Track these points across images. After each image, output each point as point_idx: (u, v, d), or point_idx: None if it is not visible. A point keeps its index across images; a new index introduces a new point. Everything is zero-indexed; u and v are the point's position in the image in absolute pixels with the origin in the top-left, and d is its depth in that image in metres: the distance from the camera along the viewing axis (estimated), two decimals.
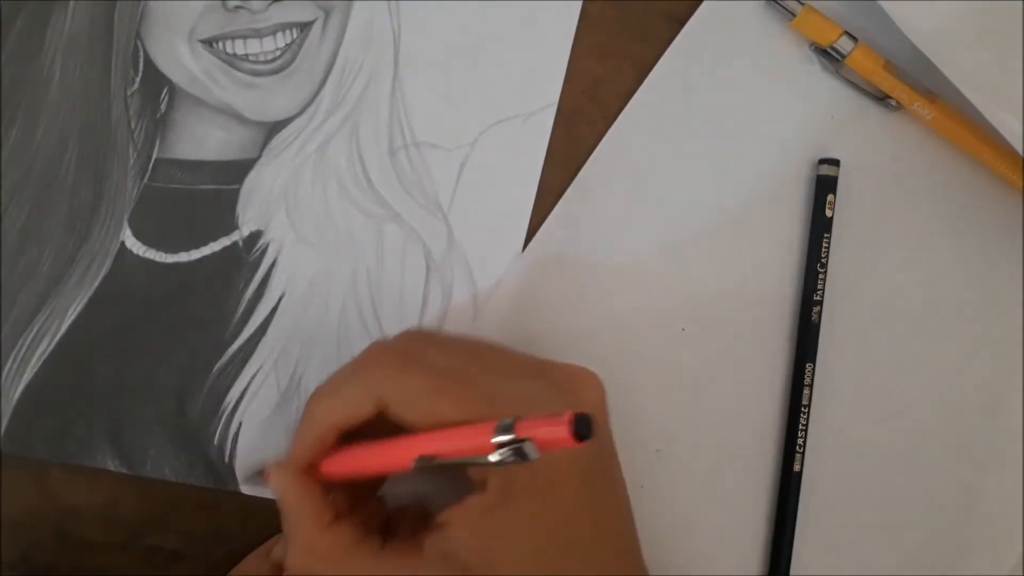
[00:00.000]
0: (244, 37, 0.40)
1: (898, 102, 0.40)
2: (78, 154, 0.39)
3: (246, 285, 0.39)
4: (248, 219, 0.39)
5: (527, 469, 0.28)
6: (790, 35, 0.40)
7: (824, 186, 0.40)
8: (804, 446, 0.39)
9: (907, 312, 0.40)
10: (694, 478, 0.39)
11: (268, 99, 0.40)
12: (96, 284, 0.39)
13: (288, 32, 0.40)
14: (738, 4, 0.40)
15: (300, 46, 0.40)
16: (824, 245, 0.39)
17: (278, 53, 0.40)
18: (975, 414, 0.40)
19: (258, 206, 0.40)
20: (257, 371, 0.39)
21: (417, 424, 0.31)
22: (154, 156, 0.40)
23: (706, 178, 0.40)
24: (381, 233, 0.40)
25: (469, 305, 0.40)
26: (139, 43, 0.40)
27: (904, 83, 0.39)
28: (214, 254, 0.39)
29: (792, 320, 0.40)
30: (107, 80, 0.39)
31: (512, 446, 0.26)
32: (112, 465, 0.38)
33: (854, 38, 0.39)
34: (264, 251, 0.39)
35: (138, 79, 0.40)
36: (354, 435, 0.32)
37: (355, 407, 0.31)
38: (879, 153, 0.41)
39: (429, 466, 0.29)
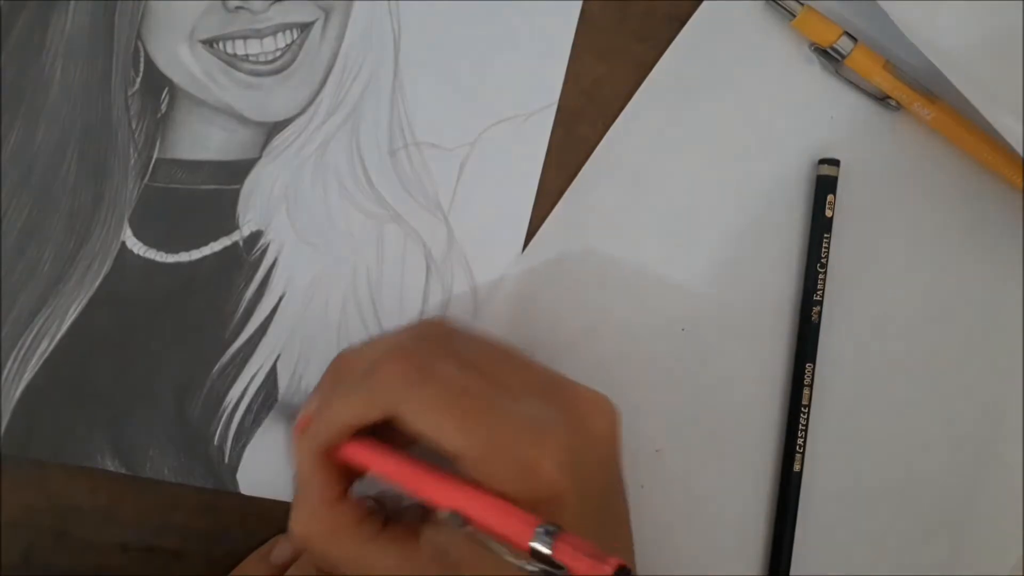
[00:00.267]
0: (244, 37, 0.40)
1: (898, 102, 0.40)
2: (79, 154, 0.39)
3: (246, 285, 0.39)
4: (248, 219, 0.40)
5: None
6: (790, 35, 0.40)
7: (824, 186, 0.40)
8: (804, 446, 0.39)
9: (907, 312, 0.40)
10: (694, 478, 0.39)
11: (268, 99, 0.40)
12: (96, 284, 0.39)
13: (288, 32, 0.40)
14: (738, 4, 0.40)
15: (300, 46, 0.40)
16: (824, 245, 0.39)
17: (278, 53, 0.40)
18: (975, 414, 0.40)
19: (258, 206, 0.40)
20: (257, 371, 0.39)
21: (421, 438, 0.31)
22: (155, 156, 0.40)
23: (706, 178, 0.40)
24: (381, 233, 0.40)
25: (469, 305, 0.40)
26: (140, 43, 0.40)
27: (904, 83, 0.39)
28: (214, 254, 0.39)
29: (792, 320, 0.40)
30: (108, 80, 0.40)
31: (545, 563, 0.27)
32: (112, 465, 0.38)
33: (854, 38, 0.39)
34: (264, 251, 0.39)
35: (139, 79, 0.40)
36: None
37: (365, 413, 0.32)
38: (879, 153, 0.41)
39: (457, 523, 0.29)
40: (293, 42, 0.40)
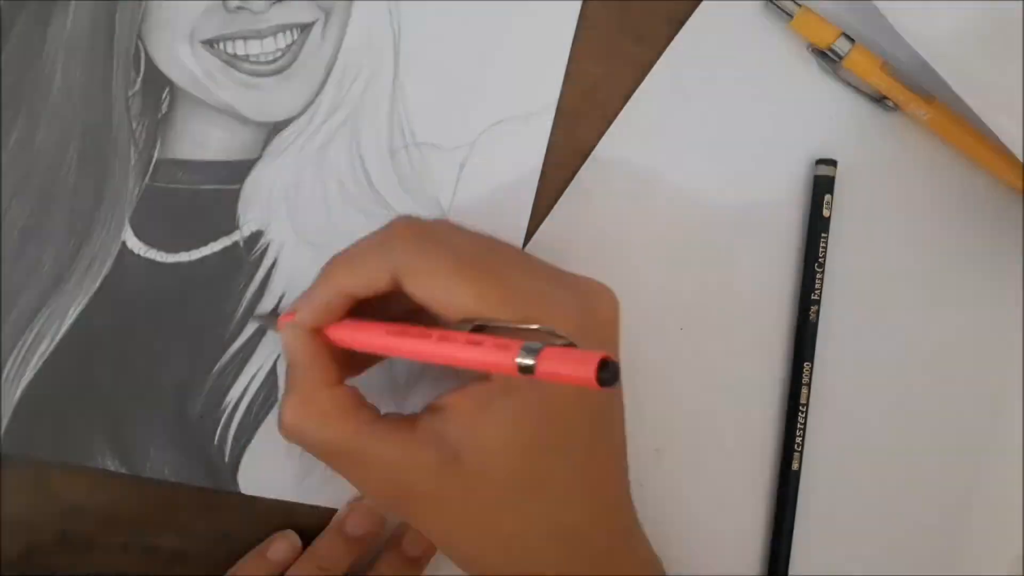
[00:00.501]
0: (245, 38, 0.40)
1: (895, 103, 0.40)
2: (79, 154, 0.39)
3: (247, 285, 0.39)
4: (249, 219, 0.40)
5: None
6: (788, 36, 0.40)
7: (821, 186, 0.40)
8: (803, 445, 0.39)
9: (905, 311, 0.40)
10: (693, 477, 0.39)
11: (269, 99, 0.40)
12: (97, 284, 0.39)
13: (289, 33, 0.40)
14: (736, 5, 0.41)
15: (301, 47, 0.40)
16: (822, 245, 0.39)
17: (279, 54, 0.40)
18: (974, 413, 0.40)
19: (259, 206, 0.40)
20: (257, 371, 0.39)
21: (431, 305, 0.30)
22: (155, 156, 0.40)
23: (704, 178, 0.40)
24: None
25: None
26: (140, 44, 0.40)
27: (901, 84, 0.39)
28: (215, 254, 0.39)
29: (790, 319, 0.40)
30: (108, 81, 0.40)
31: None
32: (112, 465, 0.38)
33: (851, 39, 0.39)
34: (265, 251, 0.39)
35: (139, 80, 0.40)
36: (364, 307, 0.32)
37: (371, 277, 0.31)
38: (876, 153, 0.41)
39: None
40: (293, 42, 0.40)
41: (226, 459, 0.39)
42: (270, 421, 0.39)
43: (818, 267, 0.39)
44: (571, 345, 0.26)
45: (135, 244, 0.39)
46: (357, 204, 0.40)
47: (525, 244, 0.40)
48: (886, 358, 0.40)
